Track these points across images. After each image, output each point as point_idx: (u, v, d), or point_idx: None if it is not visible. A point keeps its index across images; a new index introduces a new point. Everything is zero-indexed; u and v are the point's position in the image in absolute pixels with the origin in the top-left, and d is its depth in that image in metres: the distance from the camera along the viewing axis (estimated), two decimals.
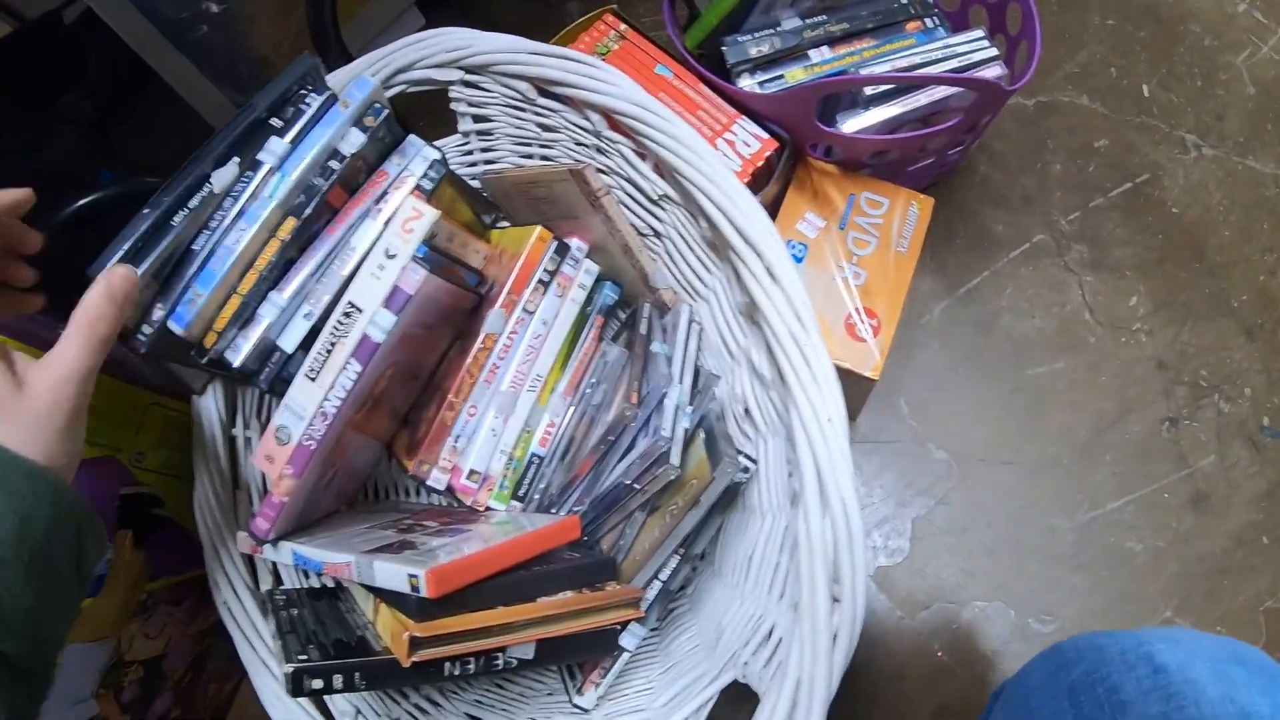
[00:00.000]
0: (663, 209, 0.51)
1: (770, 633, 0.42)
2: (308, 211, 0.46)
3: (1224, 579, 0.61)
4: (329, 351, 0.45)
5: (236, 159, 0.46)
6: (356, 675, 0.40)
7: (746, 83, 0.59)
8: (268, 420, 0.54)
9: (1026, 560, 0.60)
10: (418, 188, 0.48)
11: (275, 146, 0.46)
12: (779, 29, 0.60)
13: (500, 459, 0.51)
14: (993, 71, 0.59)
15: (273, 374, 0.48)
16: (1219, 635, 0.30)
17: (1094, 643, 0.31)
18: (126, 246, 0.45)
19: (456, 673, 0.42)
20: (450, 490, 0.50)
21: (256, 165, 0.46)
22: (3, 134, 0.75)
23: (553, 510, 0.51)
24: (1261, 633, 0.59)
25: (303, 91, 0.48)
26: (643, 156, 0.50)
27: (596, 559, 0.47)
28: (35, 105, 0.81)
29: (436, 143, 0.51)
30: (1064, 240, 0.68)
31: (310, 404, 0.45)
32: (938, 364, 0.65)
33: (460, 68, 0.51)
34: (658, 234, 0.53)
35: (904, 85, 0.58)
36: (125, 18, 0.69)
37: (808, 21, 0.61)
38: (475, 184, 0.57)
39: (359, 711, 0.48)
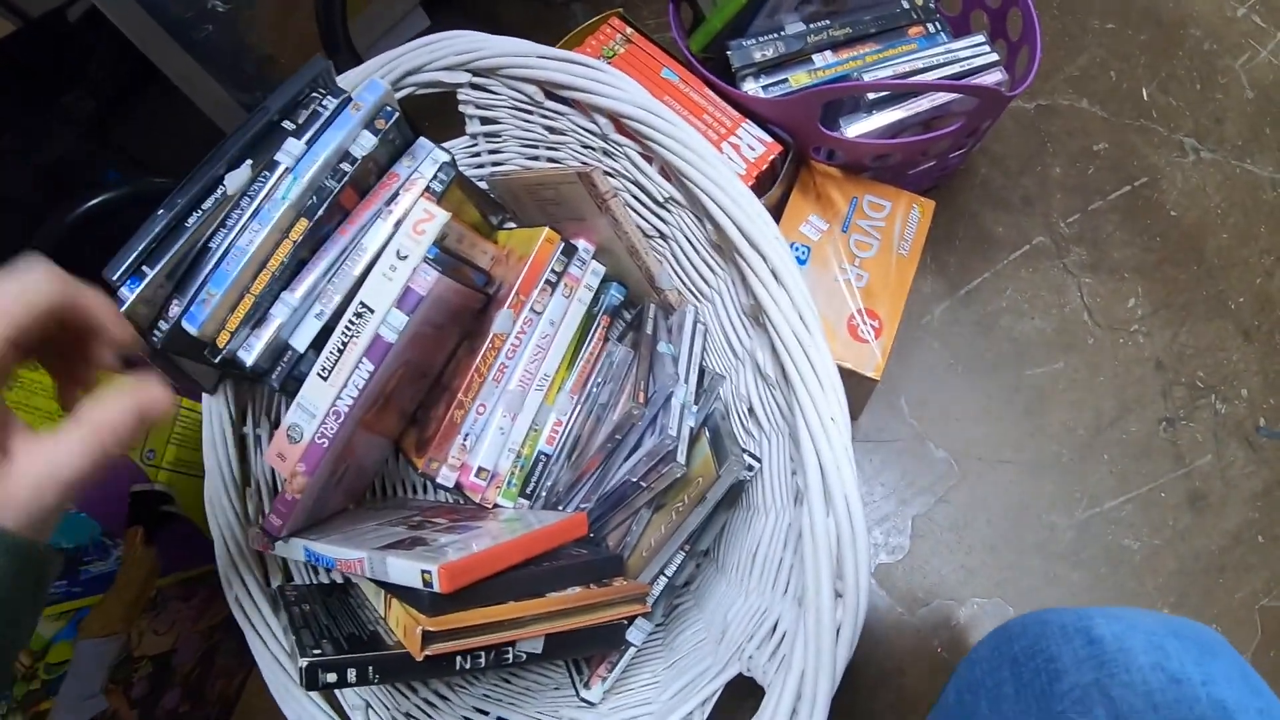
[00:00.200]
0: (668, 211, 0.51)
1: (775, 627, 0.43)
2: (320, 213, 0.47)
3: (1220, 577, 0.62)
4: (341, 351, 0.45)
5: (250, 161, 0.47)
6: (370, 669, 0.41)
7: (751, 86, 0.59)
8: (278, 419, 0.55)
9: (1026, 557, 0.61)
10: (428, 190, 0.49)
11: (291, 148, 0.47)
12: (783, 33, 0.60)
13: (508, 457, 0.51)
14: (993, 77, 0.59)
15: (284, 373, 0.49)
16: (1167, 615, 0.31)
17: (1039, 618, 0.32)
18: (141, 247, 0.46)
19: (467, 666, 0.42)
20: (459, 487, 0.51)
21: (271, 166, 0.47)
22: (5, 132, 0.76)
23: (560, 507, 0.52)
24: (1257, 630, 0.60)
25: (315, 94, 0.49)
26: (649, 160, 0.50)
27: (604, 555, 0.48)
28: (38, 103, 0.82)
29: (444, 144, 0.51)
30: (1063, 242, 0.69)
31: (322, 403, 0.45)
32: (938, 364, 0.66)
33: (469, 70, 0.52)
34: (663, 236, 0.53)
35: (907, 91, 0.59)
36: (131, 16, 0.70)
37: (811, 26, 0.61)
38: (483, 185, 0.57)
39: (369, 705, 0.49)
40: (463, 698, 0.52)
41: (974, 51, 0.62)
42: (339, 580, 0.53)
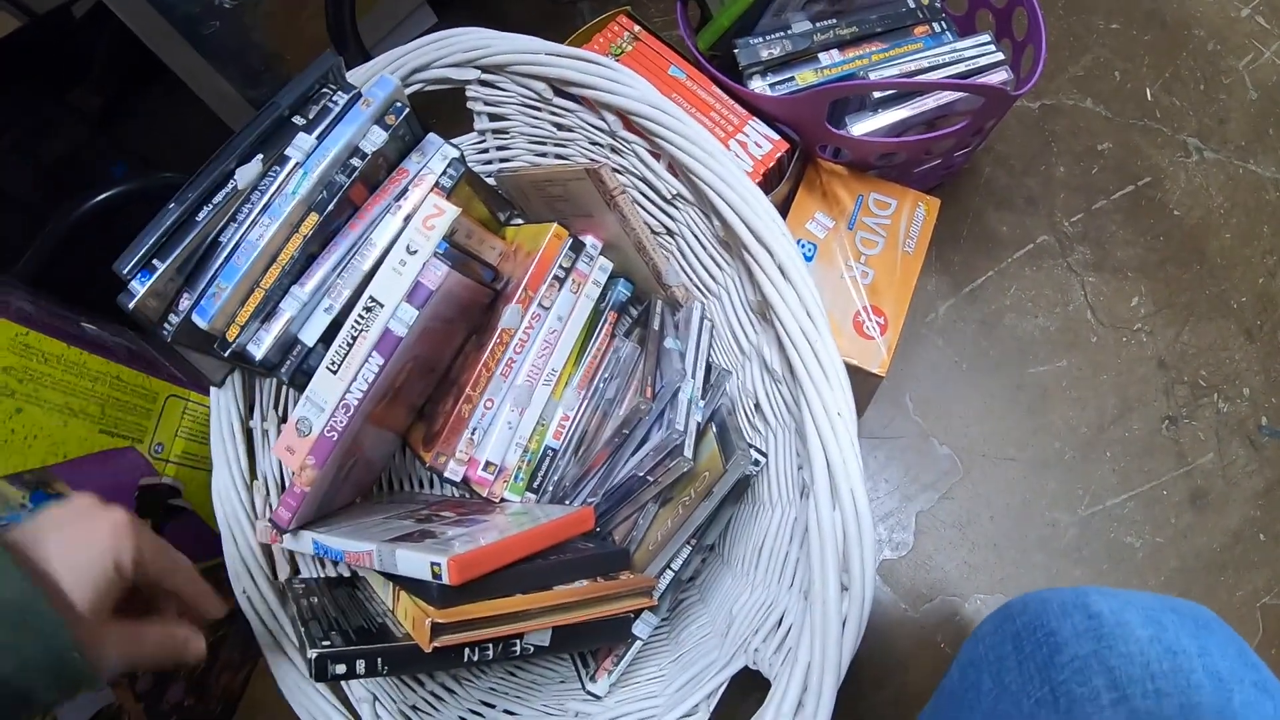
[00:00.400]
0: (676, 208, 0.52)
1: (780, 620, 0.43)
2: (330, 207, 0.47)
3: (1222, 575, 0.62)
4: (350, 345, 0.46)
5: (260, 155, 0.47)
6: (379, 660, 0.41)
7: (758, 84, 0.60)
8: (285, 413, 0.55)
9: (1029, 554, 0.62)
10: (437, 185, 0.49)
11: (302, 143, 0.47)
12: (790, 32, 0.61)
13: (515, 451, 0.52)
14: (999, 76, 0.59)
15: (294, 367, 0.49)
16: (1162, 594, 0.32)
17: (1038, 596, 0.33)
18: (152, 241, 0.46)
19: (475, 659, 0.43)
20: (466, 482, 0.51)
21: (282, 161, 0.47)
22: (10, 128, 0.76)
23: (567, 502, 0.52)
24: (1258, 628, 0.61)
25: (325, 89, 0.49)
26: (657, 156, 0.51)
27: (611, 549, 0.48)
28: (43, 99, 0.82)
29: (452, 141, 0.52)
30: (1067, 241, 0.69)
31: (332, 396, 0.46)
32: (942, 361, 0.66)
33: (478, 67, 0.52)
34: (670, 232, 0.54)
35: (912, 90, 0.59)
36: (138, 12, 0.70)
37: (818, 25, 0.62)
38: (491, 182, 0.58)
39: (376, 699, 0.49)
40: (469, 691, 0.52)
41: (979, 51, 0.62)
42: (345, 574, 0.53)
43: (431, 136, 0.51)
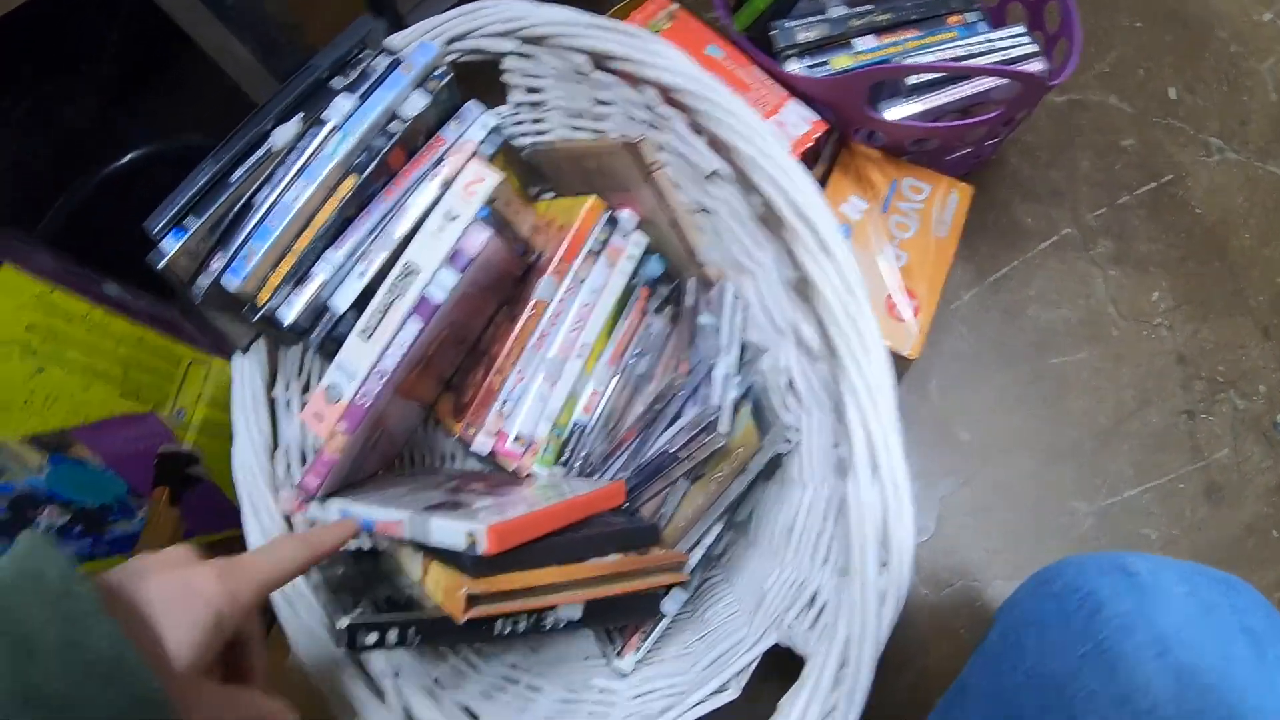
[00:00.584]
0: (713, 185, 0.51)
1: (814, 598, 0.43)
2: (369, 170, 0.47)
3: (1234, 569, 0.62)
4: (385, 311, 0.45)
5: (299, 116, 0.47)
6: (411, 630, 0.41)
7: (793, 67, 0.60)
8: (308, 383, 0.54)
9: (1046, 542, 0.62)
10: (477, 153, 0.49)
11: (341, 105, 0.46)
12: (826, 15, 0.61)
13: (545, 425, 0.51)
14: (1034, 66, 0.60)
15: (324, 333, 0.48)
16: (1189, 561, 0.34)
17: (1073, 561, 0.34)
18: (185, 199, 0.45)
19: (506, 632, 0.42)
20: (494, 455, 0.51)
21: (320, 124, 0.47)
22: (26, 96, 0.75)
23: (595, 478, 0.52)
24: None
25: (364, 53, 0.48)
26: (697, 132, 0.50)
27: (642, 524, 0.48)
28: (59, 68, 0.80)
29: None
30: (1090, 234, 0.70)
31: (363, 362, 0.45)
32: (966, 349, 0.66)
33: (517, 38, 0.52)
34: (706, 210, 0.53)
35: (947, 77, 0.60)
36: None
37: (854, 10, 0.62)
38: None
39: (398, 673, 0.48)
40: (491, 665, 0.52)
41: (1014, 41, 0.62)
42: (366, 547, 0.53)
43: (470, 104, 0.51)
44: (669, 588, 0.48)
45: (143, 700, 0.27)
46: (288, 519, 0.49)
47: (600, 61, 0.51)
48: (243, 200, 0.46)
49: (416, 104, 0.48)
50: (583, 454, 0.53)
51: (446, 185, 0.48)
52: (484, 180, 0.46)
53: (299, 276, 0.47)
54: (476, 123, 0.50)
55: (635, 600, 0.45)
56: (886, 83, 0.61)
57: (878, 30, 0.61)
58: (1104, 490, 0.64)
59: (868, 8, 0.62)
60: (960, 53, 0.61)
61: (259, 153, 0.46)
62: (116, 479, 0.54)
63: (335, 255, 0.47)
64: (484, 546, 0.39)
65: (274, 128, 0.46)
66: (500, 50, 0.52)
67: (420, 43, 0.48)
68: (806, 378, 0.48)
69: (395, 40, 0.51)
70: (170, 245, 0.45)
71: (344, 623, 0.40)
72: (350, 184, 0.47)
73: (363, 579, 0.46)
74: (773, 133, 0.44)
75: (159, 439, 0.54)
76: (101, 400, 0.51)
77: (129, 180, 0.62)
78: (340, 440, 0.45)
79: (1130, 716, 0.28)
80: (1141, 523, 0.63)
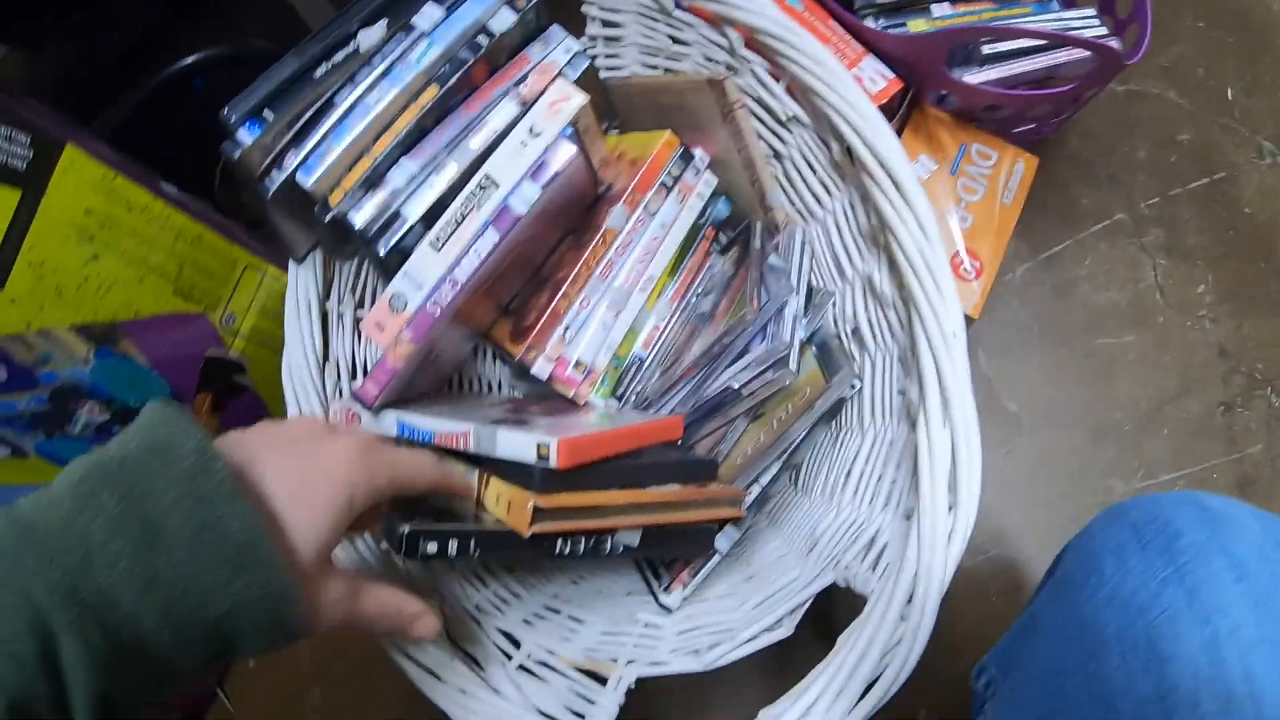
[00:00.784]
0: (789, 130, 0.51)
1: (873, 540, 0.43)
2: (452, 82, 0.46)
3: None
4: (459, 222, 0.44)
5: (385, 20, 0.46)
6: (472, 541, 0.40)
7: (870, 25, 0.59)
8: (361, 298, 0.54)
9: (1082, 517, 0.61)
10: (561, 74, 0.48)
11: (431, 13, 0.46)
12: None
13: (606, 355, 0.51)
14: (1110, 45, 0.60)
15: (391, 243, 0.48)
16: None
17: (1147, 497, 0.35)
18: (266, 91, 0.45)
19: (566, 551, 0.42)
20: (552, 379, 0.50)
21: (408, 29, 0.46)
22: (82, 7, 0.73)
23: (651, 412, 0.52)
24: None
25: None
26: (777, 77, 0.50)
27: (700, 458, 0.47)
28: None
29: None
30: (1143, 222, 0.70)
31: (433, 273, 0.44)
32: (1016, 320, 0.67)
33: None
34: (778, 155, 0.53)
35: (1021, 49, 0.60)
36: None
37: None
38: None
39: (444, 598, 0.48)
40: (534, 594, 0.51)
41: (1085, 23, 0.62)
42: None
43: (555, 28, 0.50)
44: (724, 523, 0.48)
45: (270, 593, 0.25)
46: None
47: (684, 1, 0.51)
48: (324, 99, 0.46)
49: (505, 20, 0.47)
50: (639, 389, 0.52)
51: (526, 105, 0.47)
52: (570, 99, 0.45)
53: (372, 181, 0.47)
54: (560, 46, 0.50)
55: (692, 532, 0.45)
56: (959, 49, 0.61)
57: None
58: (1141, 472, 0.64)
59: None
60: (1034, 28, 0.61)
61: (344, 52, 0.46)
62: (160, 380, 0.53)
63: (410, 164, 0.47)
64: (555, 459, 0.39)
65: (359, 29, 0.46)
66: None
67: None
68: (872, 324, 0.48)
69: None
70: (246, 137, 0.44)
71: (405, 529, 0.39)
72: (432, 93, 0.46)
73: (416, 497, 0.46)
74: (854, 81, 0.44)
75: (207, 342, 0.54)
76: (154, 295, 0.50)
77: (185, 86, 0.61)
78: (406, 348, 0.45)
79: (1211, 636, 0.28)
80: None
